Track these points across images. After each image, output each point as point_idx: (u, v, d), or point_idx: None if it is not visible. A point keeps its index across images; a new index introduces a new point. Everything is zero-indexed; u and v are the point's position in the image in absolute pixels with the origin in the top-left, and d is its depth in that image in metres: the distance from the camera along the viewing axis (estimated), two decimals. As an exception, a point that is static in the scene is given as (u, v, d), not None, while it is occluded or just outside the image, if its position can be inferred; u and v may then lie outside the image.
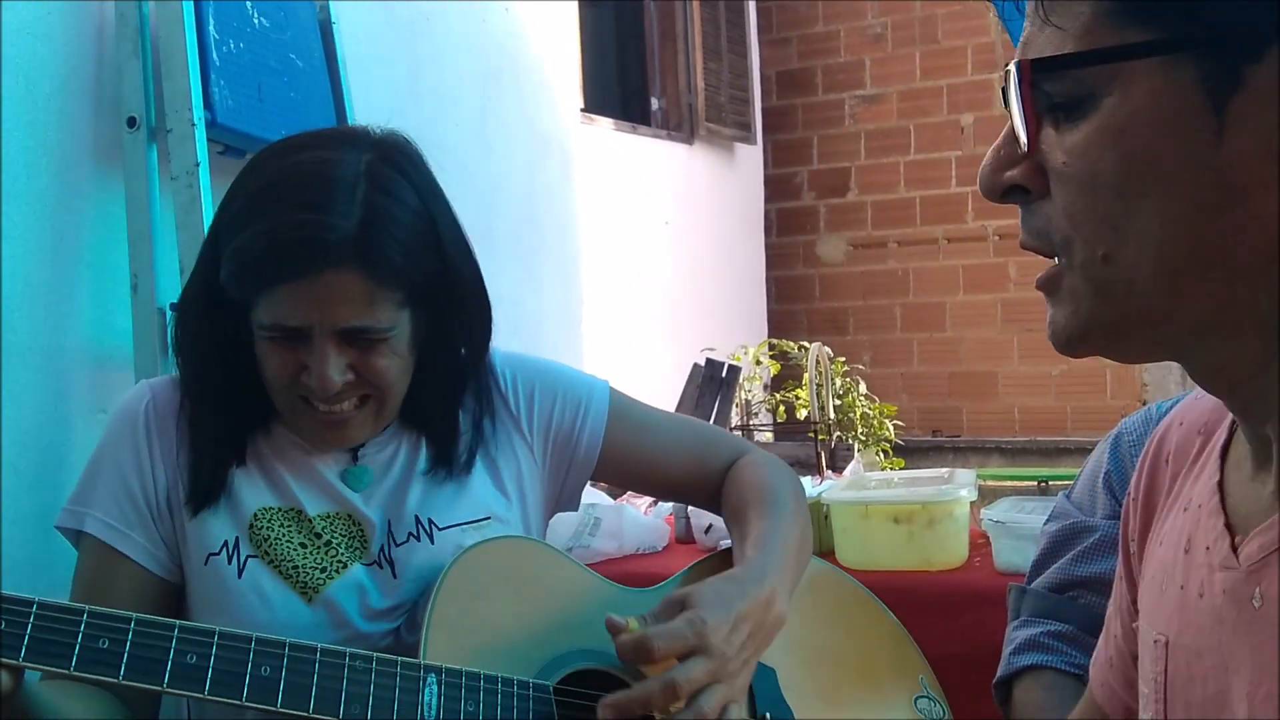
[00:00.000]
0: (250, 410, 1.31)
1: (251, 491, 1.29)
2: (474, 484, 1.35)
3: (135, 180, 2.06)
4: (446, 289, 1.29)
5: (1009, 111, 0.66)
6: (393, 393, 1.28)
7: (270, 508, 1.29)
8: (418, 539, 1.30)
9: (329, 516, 1.30)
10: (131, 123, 2.06)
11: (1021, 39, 0.67)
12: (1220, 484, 0.72)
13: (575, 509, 1.47)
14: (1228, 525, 0.69)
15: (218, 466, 1.30)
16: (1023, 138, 0.66)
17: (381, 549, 1.29)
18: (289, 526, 1.28)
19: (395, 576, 1.28)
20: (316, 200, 1.21)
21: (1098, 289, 0.64)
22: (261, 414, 1.32)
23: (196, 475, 1.30)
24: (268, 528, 1.27)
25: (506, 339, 3.76)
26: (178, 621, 1.07)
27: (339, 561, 1.28)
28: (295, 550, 1.27)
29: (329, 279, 1.19)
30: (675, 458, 1.44)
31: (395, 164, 1.28)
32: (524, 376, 1.40)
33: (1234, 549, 0.67)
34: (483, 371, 1.38)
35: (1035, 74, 0.63)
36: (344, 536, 1.29)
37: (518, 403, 1.39)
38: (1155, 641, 0.75)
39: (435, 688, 1.14)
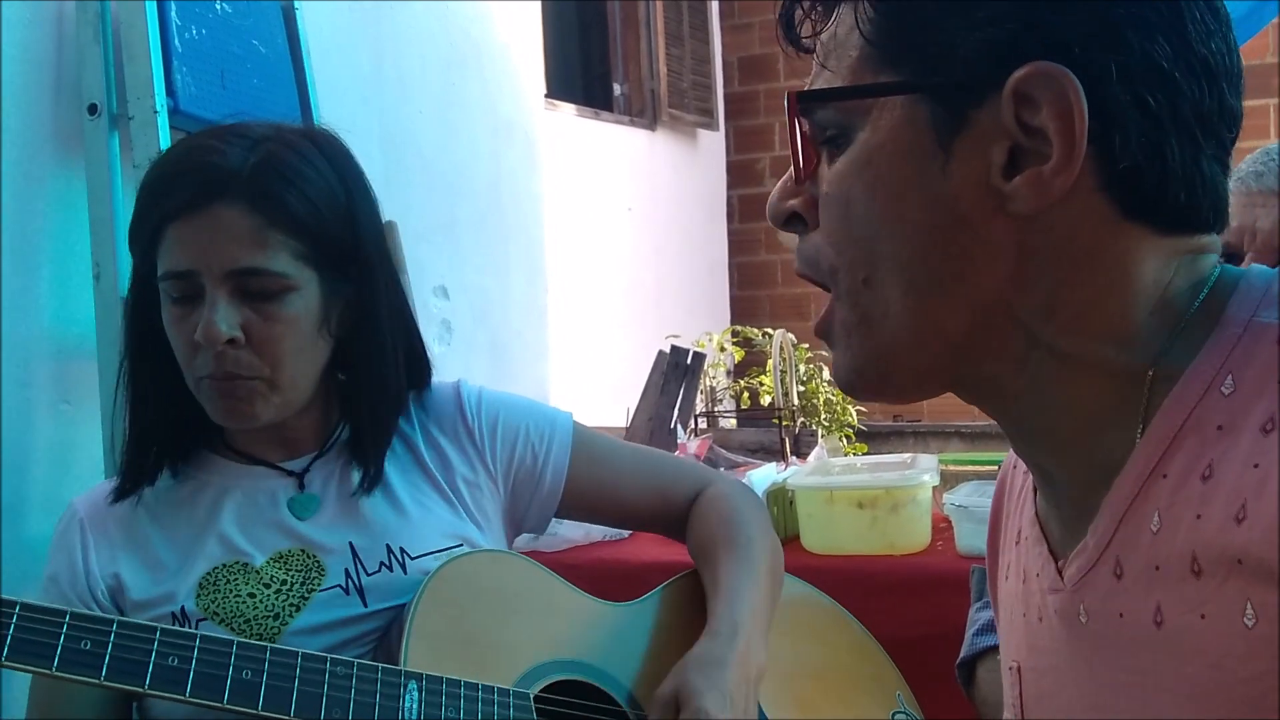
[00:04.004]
0: (188, 411, 1.29)
1: (196, 556, 1.27)
2: (442, 512, 1.34)
3: (97, 168, 2.04)
4: (359, 271, 1.27)
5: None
6: (285, 369, 1.24)
7: (215, 567, 1.26)
8: (390, 569, 1.28)
9: (281, 557, 1.28)
10: (93, 110, 2.04)
11: (809, 80, 0.73)
12: (1037, 513, 0.76)
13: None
14: (1051, 551, 0.73)
15: (144, 456, 1.29)
16: (796, 167, 0.71)
17: (348, 575, 1.27)
18: (235, 580, 1.25)
19: (365, 605, 1.26)
20: (215, 143, 1.23)
21: (861, 317, 0.69)
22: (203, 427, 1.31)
23: (127, 462, 1.30)
24: (213, 587, 1.25)
25: (472, 328, 3.73)
26: (159, 625, 1.08)
27: (293, 603, 1.25)
28: (244, 603, 1.24)
29: (218, 213, 1.19)
30: (639, 490, 1.45)
31: (314, 140, 1.28)
32: (488, 409, 1.40)
33: (1059, 572, 0.71)
34: (424, 398, 1.38)
35: (800, 105, 0.70)
36: (299, 572, 1.27)
37: (481, 435, 1.38)
38: (1010, 669, 0.79)
39: (416, 694, 1.14)
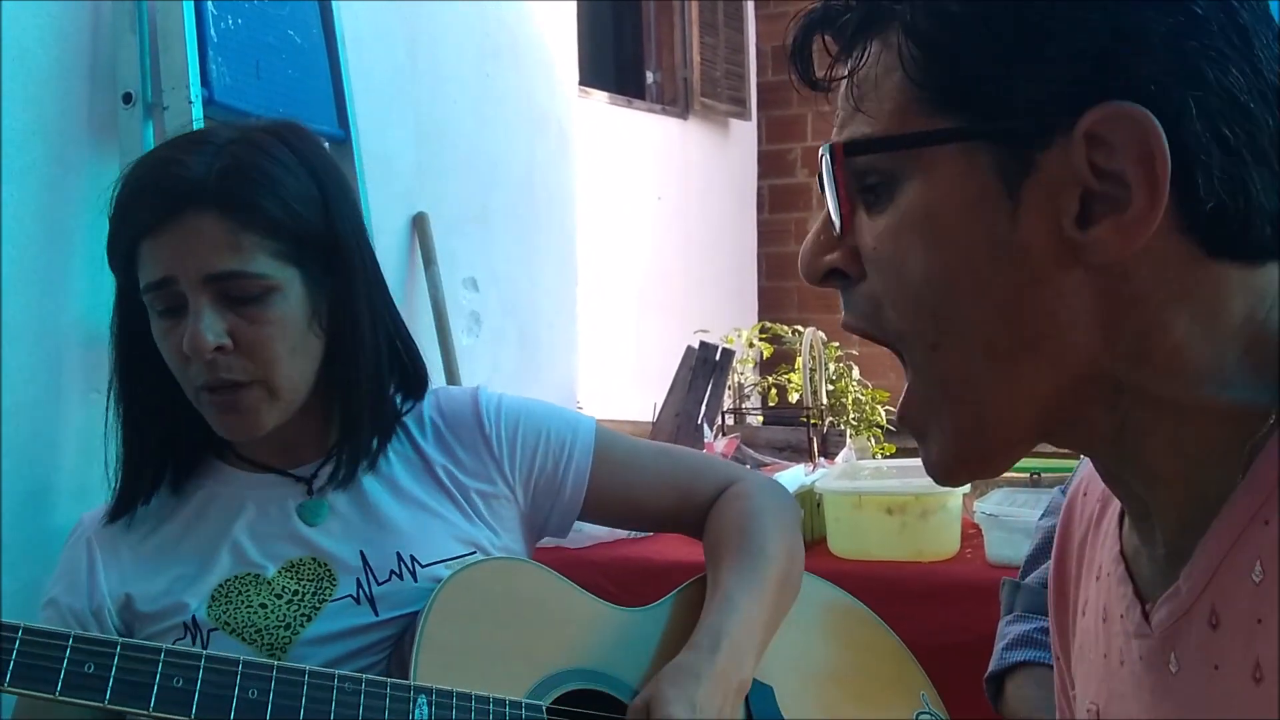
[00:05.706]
0: (188, 422, 1.28)
1: (208, 568, 1.26)
2: (454, 519, 1.32)
3: (131, 157, 2.00)
4: (339, 263, 1.25)
5: (824, 195, 0.67)
6: (279, 371, 1.22)
7: (228, 579, 1.25)
8: (400, 578, 1.26)
9: (293, 566, 1.27)
10: (127, 99, 2.04)
11: (837, 123, 0.67)
12: (1122, 551, 0.72)
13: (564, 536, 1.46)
14: (1136, 592, 0.69)
15: (139, 476, 1.28)
16: (836, 220, 0.66)
17: (359, 584, 1.26)
18: (247, 591, 1.25)
19: (376, 614, 1.25)
20: (177, 154, 1.22)
21: (942, 391, 0.65)
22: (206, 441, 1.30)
23: (121, 483, 1.28)
24: (225, 598, 1.24)
25: (501, 320, 3.72)
26: (164, 645, 1.07)
27: (304, 613, 1.24)
28: (255, 613, 1.23)
29: (189, 223, 1.17)
30: (661, 492, 1.42)
31: (282, 137, 1.26)
32: (508, 418, 1.38)
33: (1145, 616, 0.68)
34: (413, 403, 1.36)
35: (847, 156, 0.65)
36: (311, 581, 1.26)
37: (500, 445, 1.36)
38: (1088, 711, 0.76)
39: (425, 708, 1.13)
